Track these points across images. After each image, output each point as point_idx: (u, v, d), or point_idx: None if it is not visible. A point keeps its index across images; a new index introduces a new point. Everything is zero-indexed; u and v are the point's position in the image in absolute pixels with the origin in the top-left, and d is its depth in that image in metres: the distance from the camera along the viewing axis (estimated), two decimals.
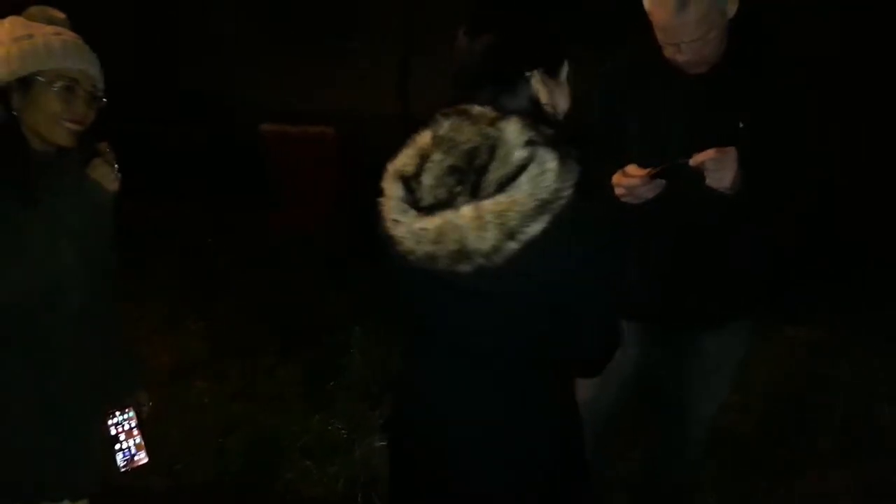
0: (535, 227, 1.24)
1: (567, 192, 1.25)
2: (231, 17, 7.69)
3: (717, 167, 1.77)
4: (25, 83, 1.54)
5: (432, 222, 1.29)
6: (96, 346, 1.69)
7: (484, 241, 1.25)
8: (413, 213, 1.32)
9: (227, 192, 5.97)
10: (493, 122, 1.32)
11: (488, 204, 1.25)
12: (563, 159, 1.26)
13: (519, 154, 1.27)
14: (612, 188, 1.91)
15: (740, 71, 1.87)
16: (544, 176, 1.25)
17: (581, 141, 1.46)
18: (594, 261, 1.32)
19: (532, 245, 1.24)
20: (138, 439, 1.84)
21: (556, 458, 1.47)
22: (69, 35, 1.60)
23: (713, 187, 1.79)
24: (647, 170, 1.84)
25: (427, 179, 1.34)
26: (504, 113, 1.32)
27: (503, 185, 1.26)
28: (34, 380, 1.60)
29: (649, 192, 1.86)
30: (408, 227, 1.32)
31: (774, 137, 1.84)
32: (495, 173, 1.29)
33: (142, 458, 1.84)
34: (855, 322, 3.91)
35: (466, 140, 1.33)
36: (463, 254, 1.26)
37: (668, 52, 1.86)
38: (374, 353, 3.61)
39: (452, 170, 1.33)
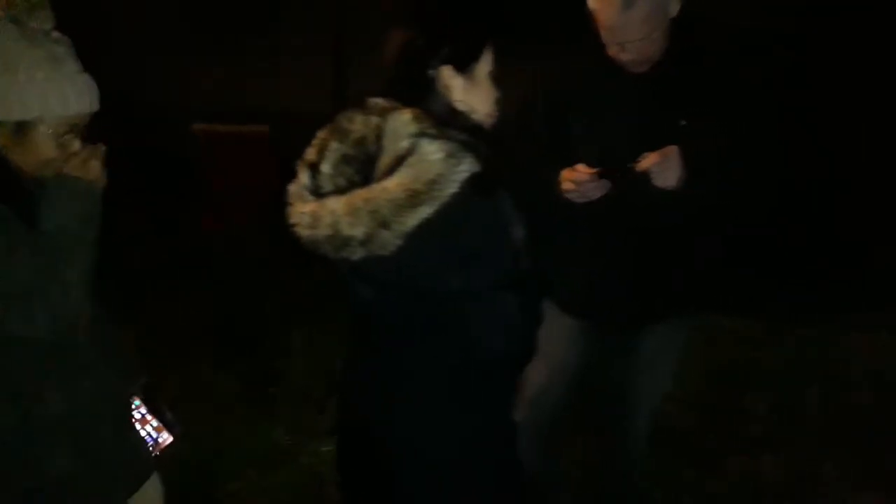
0: (413, 218, 1.25)
1: (450, 186, 1.26)
2: (160, 14, 7.41)
3: (661, 169, 1.80)
4: (21, 125, 1.41)
5: (310, 207, 1.34)
6: (108, 344, 1.65)
7: (355, 227, 1.28)
8: (310, 199, 1.38)
9: (155, 195, 5.74)
10: (382, 113, 1.37)
11: (362, 192, 1.30)
12: (450, 153, 1.27)
13: (402, 145, 1.31)
14: (559, 186, 1.90)
15: (682, 69, 1.89)
16: (421, 167, 1.27)
17: (501, 140, 1.43)
18: (487, 258, 1.32)
19: (413, 236, 1.27)
20: (154, 422, 1.80)
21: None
22: (74, 68, 1.45)
23: (660, 186, 1.80)
24: (595, 169, 1.84)
25: (325, 168, 1.41)
26: (412, 108, 1.35)
27: (386, 174, 1.31)
28: (74, 402, 1.53)
29: (596, 190, 1.90)
30: (297, 212, 1.38)
31: (720, 132, 1.86)
32: (381, 163, 1.34)
33: (166, 438, 1.81)
34: (854, 322, 3.96)
35: (356, 130, 1.39)
36: (339, 240, 1.30)
37: (612, 50, 1.89)
38: (314, 356, 3.52)
39: (347, 158, 1.39)
